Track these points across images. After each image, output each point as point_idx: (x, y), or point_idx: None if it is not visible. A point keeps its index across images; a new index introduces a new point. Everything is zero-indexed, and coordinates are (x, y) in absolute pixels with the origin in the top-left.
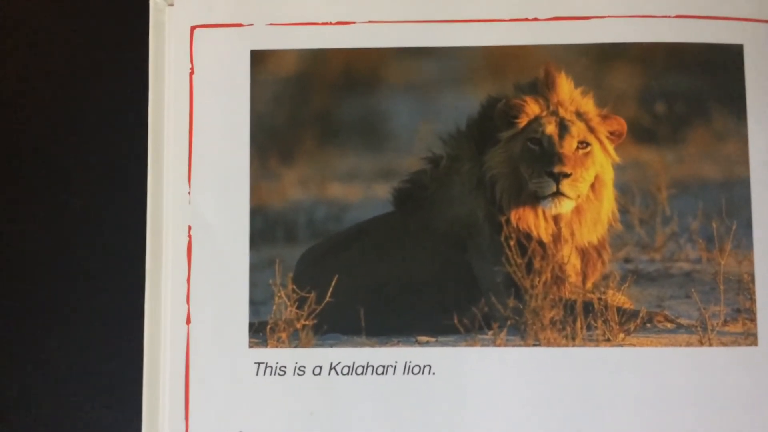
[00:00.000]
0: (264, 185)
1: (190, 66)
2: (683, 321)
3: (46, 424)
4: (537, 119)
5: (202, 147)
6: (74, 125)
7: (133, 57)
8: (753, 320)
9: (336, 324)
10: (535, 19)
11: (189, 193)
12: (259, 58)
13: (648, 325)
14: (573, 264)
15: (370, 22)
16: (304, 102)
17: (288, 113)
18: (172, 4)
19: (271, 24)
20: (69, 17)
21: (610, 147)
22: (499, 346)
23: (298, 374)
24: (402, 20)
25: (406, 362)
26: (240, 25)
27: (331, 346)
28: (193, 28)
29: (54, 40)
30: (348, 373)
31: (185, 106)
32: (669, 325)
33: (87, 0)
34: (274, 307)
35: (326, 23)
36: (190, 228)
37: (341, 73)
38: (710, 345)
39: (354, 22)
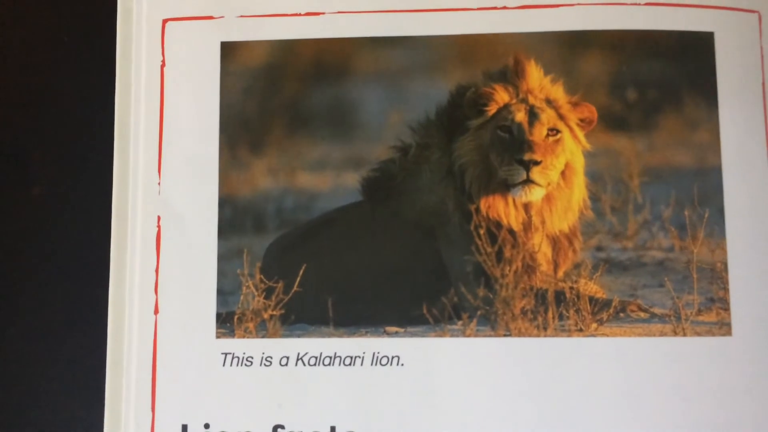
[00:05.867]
0: (233, 175)
1: (161, 58)
2: (657, 310)
3: (4, 414)
4: (506, 107)
5: (172, 138)
6: (38, 113)
7: (101, 43)
8: (727, 310)
9: (304, 314)
10: (504, 8)
11: (159, 183)
12: (229, 49)
13: (621, 314)
14: (544, 252)
15: (339, 12)
16: (274, 92)
17: (258, 103)
18: None
19: (241, 16)
20: (34, 1)
21: (581, 134)
22: (469, 336)
23: (265, 365)
24: (371, 10)
25: (374, 353)
26: (211, 17)
27: (299, 336)
28: (164, 21)
29: (19, 25)
30: (315, 364)
31: (156, 98)
32: (642, 315)
33: None
34: (242, 297)
35: (296, 14)
36: (159, 218)
37: (311, 64)
38: (684, 335)
39: (323, 13)
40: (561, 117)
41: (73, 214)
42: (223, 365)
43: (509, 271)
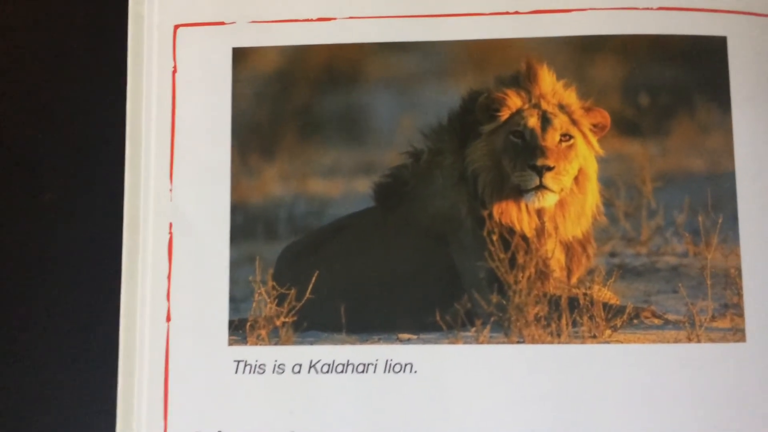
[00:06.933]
0: (245, 181)
1: (173, 64)
2: (671, 317)
3: (17, 421)
4: (519, 112)
5: (184, 144)
6: (50, 119)
7: (112, 49)
8: (741, 315)
9: (316, 321)
10: (516, 13)
11: (171, 190)
12: (240, 55)
13: (635, 321)
14: (557, 259)
15: (350, 17)
16: (286, 98)
17: (269, 109)
18: None
19: (252, 21)
20: (46, 7)
21: (594, 139)
22: (482, 343)
23: (277, 372)
24: (382, 15)
25: (387, 360)
26: (222, 23)
27: (311, 343)
28: (176, 27)
29: (30, 32)
30: (328, 372)
31: (168, 104)
32: (656, 321)
33: None
34: (254, 304)
35: (307, 20)
36: (171, 225)
37: (322, 69)
38: (699, 341)
39: (335, 18)
40: (574, 122)
41: (84, 221)
42: (236, 372)
43: (522, 277)
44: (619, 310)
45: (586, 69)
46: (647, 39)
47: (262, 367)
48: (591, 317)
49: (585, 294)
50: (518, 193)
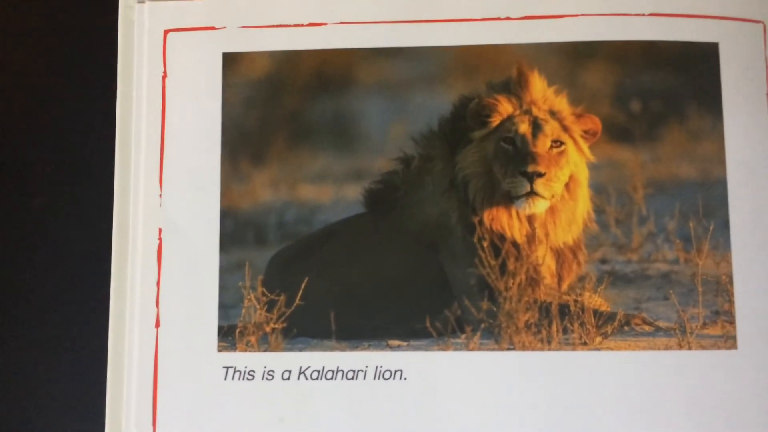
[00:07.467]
0: (235, 187)
1: (163, 69)
2: (662, 324)
3: (5, 428)
4: (510, 118)
5: (173, 150)
6: (39, 124)
7: (103, 54)
8: (732, 323)
9: (306, 327)
10: (508, 18)
11: (160, 195)
12: (231, 60)
13: (626, 327)
14: (548, 265)
15: (341, 23)
16: (276, 103)
17: (259, 115)
18: (142, 1)
19: (243, 27)
20: (35, 12)
21: (585, 146)
22: (472, 350)
23: (267, 379)
24: (373, 21)
25: (376, 367)
26: (213, 28)
27: (301, 350)
28: (166, 32)
29: (21, 37)
30: (318, 378)
31: (158, 109)
32: (647, 328)
33: None
34: (244, 311)
35: (298, 25)
36: (160, 231)
37: (313, 75)
38: (689, 348)
39: (325, 24)
40: (565, 128)
41: (73, 226)
42: (225, 379)
43: (513, 284)
44: (610, 317)
45: (578, 75)
46: (639, 45)
47: (251, 373)
48: (582, 324)
49: (576, 301)
50: (509, 199)
